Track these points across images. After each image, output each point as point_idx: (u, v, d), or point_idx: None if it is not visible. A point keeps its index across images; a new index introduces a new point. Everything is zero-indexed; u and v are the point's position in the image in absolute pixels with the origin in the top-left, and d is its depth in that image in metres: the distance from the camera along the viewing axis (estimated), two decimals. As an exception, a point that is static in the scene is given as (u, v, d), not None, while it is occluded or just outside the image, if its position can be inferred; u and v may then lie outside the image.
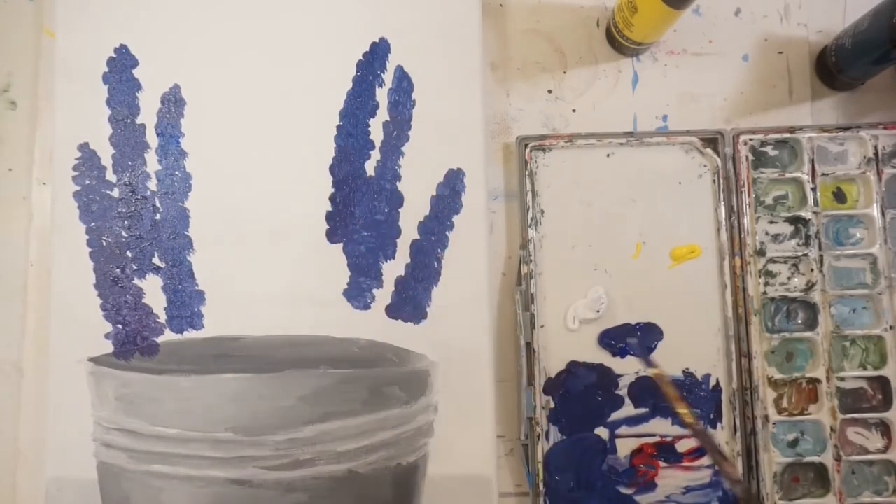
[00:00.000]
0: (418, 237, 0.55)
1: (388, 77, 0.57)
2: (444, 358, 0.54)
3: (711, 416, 0.54)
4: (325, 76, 0.56)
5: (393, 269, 0.55)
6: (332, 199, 0.56)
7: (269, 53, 0.57)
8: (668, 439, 0.54)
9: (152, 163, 0.56)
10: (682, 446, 0.54)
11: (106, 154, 0.56)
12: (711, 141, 0.56)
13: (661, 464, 0.54)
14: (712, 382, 0.55)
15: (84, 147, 0.56)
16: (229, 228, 0.55)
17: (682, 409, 0.52)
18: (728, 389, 0.55)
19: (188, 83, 0.56)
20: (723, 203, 0.56)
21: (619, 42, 0.58)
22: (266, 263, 0.55)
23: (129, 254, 0.55)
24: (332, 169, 0.56)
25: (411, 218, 0.56)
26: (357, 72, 0.57)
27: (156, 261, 0.55)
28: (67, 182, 0.55)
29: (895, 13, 0.50)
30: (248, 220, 0.56)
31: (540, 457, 0.54)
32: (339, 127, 0.56)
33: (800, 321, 0.56)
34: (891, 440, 0.54)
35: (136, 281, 0.55)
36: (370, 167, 0.56)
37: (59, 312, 0.54)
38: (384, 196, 0.56)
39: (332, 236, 0.56)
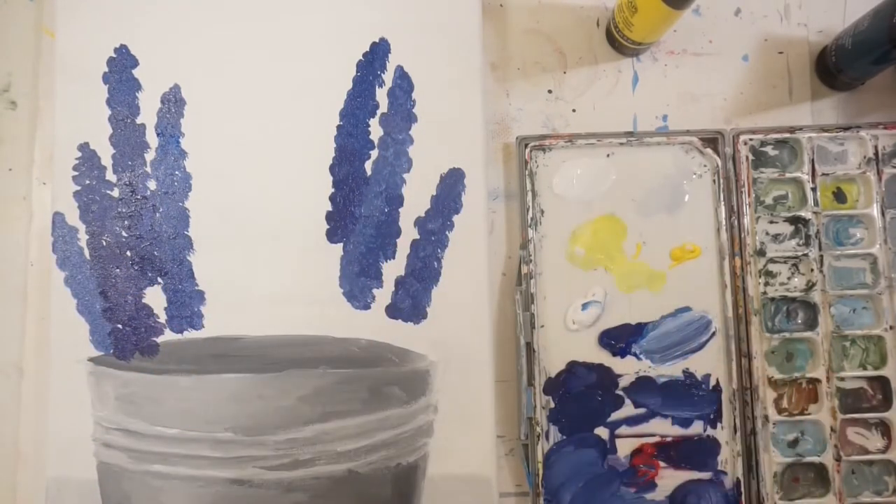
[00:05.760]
0: (418, 237, 0.55)
1: (389, 77, 0.57)
2: (443, 358, 0.54)
3: (711, 416, 0.54)
4: (325, 76, 0.56)
5: (393, 269, 0.55)
6: (332, 199, 0.56)
7: (269, 53, 0.57)
8: (668, 439, 0.54)
9: (152, 163, 0.56)
10: (682, 446, 0.54)
11: (106, 154, 0.56)
12: (711, 141, 0.56)
13: (661, 464, 0.54)
14: (712, 382, 0.55)
15: (84, 147, 0.56)
16: (229, 228, 0.55)
17: None
18: (728, 389, 0.55)
19: (188, 83, 0.56)
20: (723, 203, 0.56)
21: (619, 42, 0.58)
22: (266, 263, 0.55)
23: (128, 254, 0.55)
24: (332, 169, 0.56)
25: (411, 218, 0.56)
26: (357, 72, 0.57)
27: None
28: (67, 182, 0.55)
29: (895, 13, 0.50)
30: (248, 220, 0.56)
31: (540, 457, 0.54)
32: (339, 127, 0.56)
33: (800, 321, 0.56)
34: (891, 440, 0.54)
35: (136, 280, 0.55)
36: (370, 167, 0.56)
37: (59, 312, 0.54)
38: (384, 196, 0.56)
39: (332, 236, 0.56)
